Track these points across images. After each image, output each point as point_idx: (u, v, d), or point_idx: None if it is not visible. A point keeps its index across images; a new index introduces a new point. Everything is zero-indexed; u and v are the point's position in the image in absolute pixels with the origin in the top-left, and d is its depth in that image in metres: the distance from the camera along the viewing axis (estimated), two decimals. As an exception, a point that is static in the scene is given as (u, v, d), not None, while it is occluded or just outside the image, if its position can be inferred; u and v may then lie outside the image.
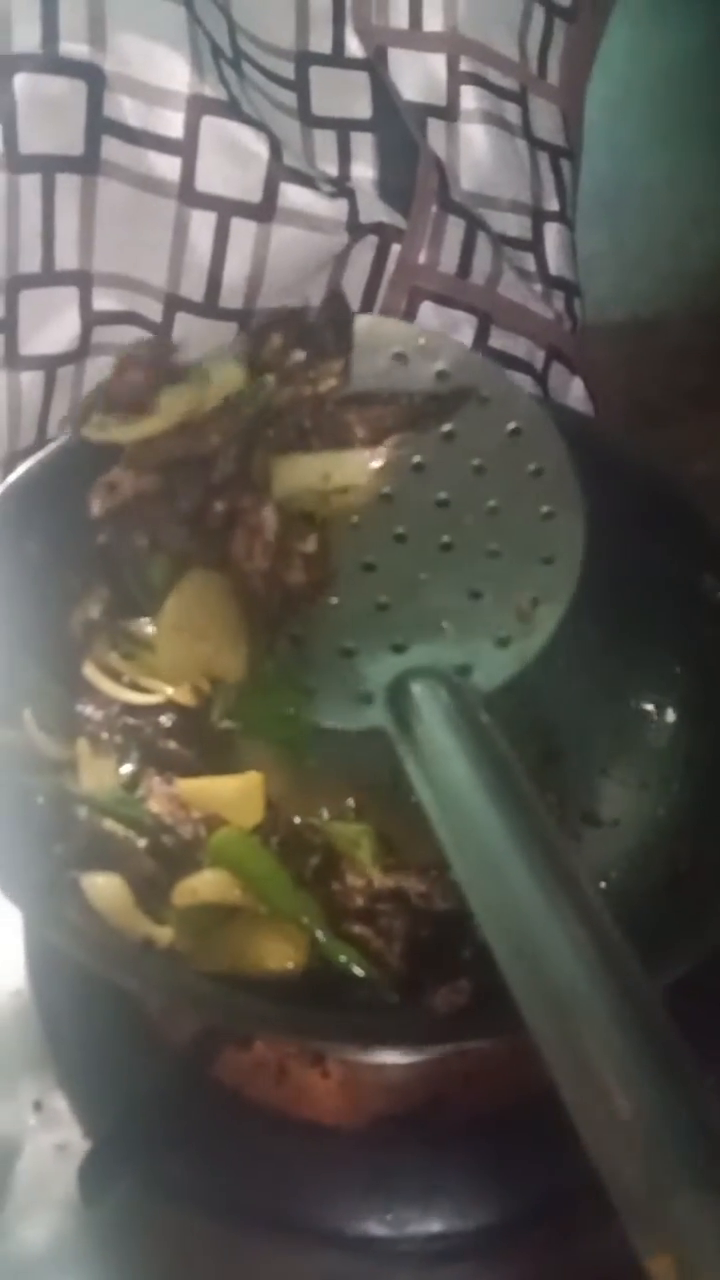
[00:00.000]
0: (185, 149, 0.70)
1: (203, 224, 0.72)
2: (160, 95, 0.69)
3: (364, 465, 0.54)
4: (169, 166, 0.71)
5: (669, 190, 1.02)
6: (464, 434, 0.55)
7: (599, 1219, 0.53)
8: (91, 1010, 0.59)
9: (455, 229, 0.77)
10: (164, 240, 0.73)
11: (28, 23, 0.66)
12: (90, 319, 0.75)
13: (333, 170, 0.76)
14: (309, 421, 0.54)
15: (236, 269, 0.73)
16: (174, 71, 0.69)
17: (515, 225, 0.82)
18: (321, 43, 0.76)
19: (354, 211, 0.73)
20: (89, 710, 0.55)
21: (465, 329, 0.78)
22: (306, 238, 0.72)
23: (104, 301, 0.75)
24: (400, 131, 0.76)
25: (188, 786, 0.54)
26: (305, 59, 0.76)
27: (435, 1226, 0.55)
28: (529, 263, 0.83)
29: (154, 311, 0.75)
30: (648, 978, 0.35)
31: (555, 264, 0.84)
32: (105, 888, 0.50)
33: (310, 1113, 0.57)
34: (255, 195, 0.71)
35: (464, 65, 0.78)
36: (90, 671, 0.57)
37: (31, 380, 0.75)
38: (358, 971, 0.50)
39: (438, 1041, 0.49)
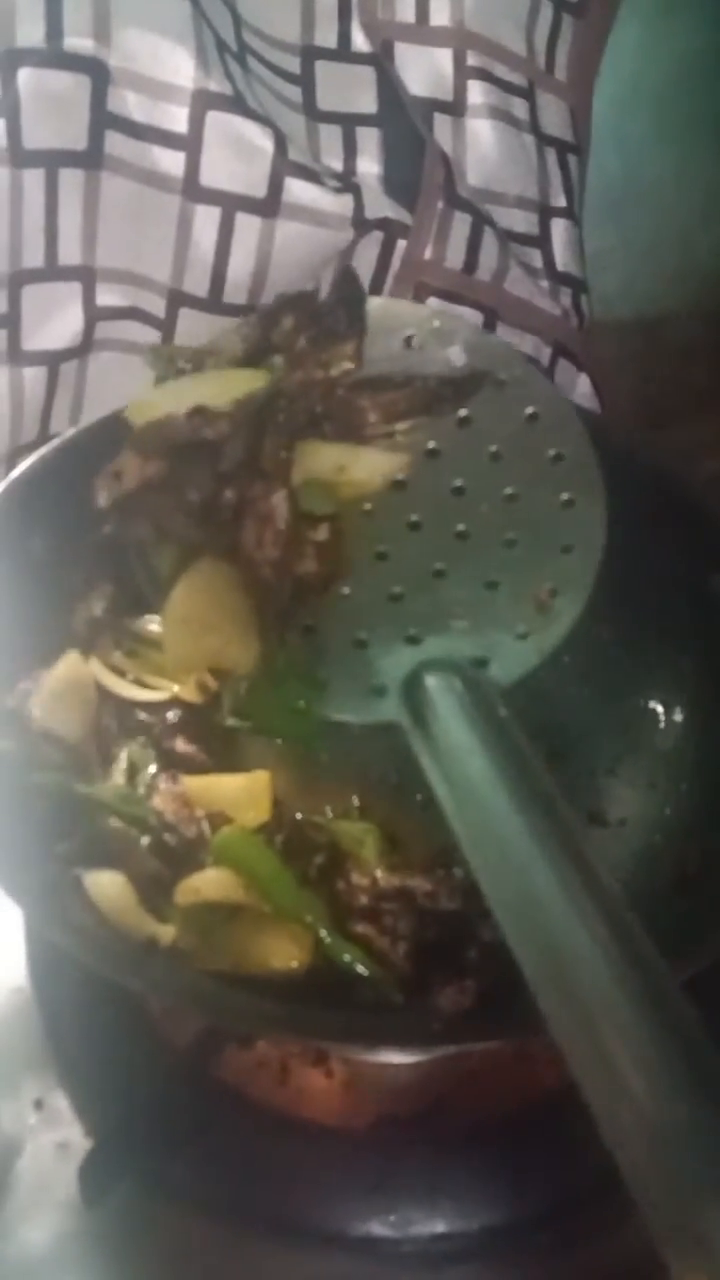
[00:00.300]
0: (190, 144, 0.70)
1: (207, 219, 0.72)
2: (165, 90, 0.69)
3: (380, 462, 0.53)
4: (173, 161, 0.71)
5: (677, 187, 1.02)
6: (480, 419, 0.53)
7: (604, 1220, 0.54)
8: (93, 1009, 0.59)
9: (461, 224, 0.76)
10: (168, 235, 0.73)
11: (32, 18, 0.66)
12: (93, 314, 0.75)
13: (338, 165, 0.76)
14: (321, 407, 0.52)
15: (241, 264, 0.73)
16: (179, 66, 0.69)
17: (522, 221, 0.81)
18: (327, 37, 0.75)
19: (359, 207, 0.73)
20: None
21: (471, 325, 0.78)
22: (311, 233, 0.72)
23: (107, 297, 0.75)
24: (406, 126, 0.76)
25: (194, 784, 0.53)
26: (311, 53, 0.75)
27: (439, 1227, 0.54)
28: (535, 259, 0.83)
29: (157, 307, 0.75)
30: (674, 979, 0.34)
31: (562, 260, 0.84)
32: (108, 886, 0.50)
33: (313, 1113, 0.56)
34: (260, 190, 0.71)
35: (471, 60, 0.78)
36: (95, 669, 0.57)
37: (34, 375, 0.75)
38: (362, 971, 0.50)
39: (442, 1043, 0.49)
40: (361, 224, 0.73)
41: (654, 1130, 0.30)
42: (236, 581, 0.50)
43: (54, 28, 0.67)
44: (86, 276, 0.74)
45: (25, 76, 0.67)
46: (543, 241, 0.83)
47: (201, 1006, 0.50)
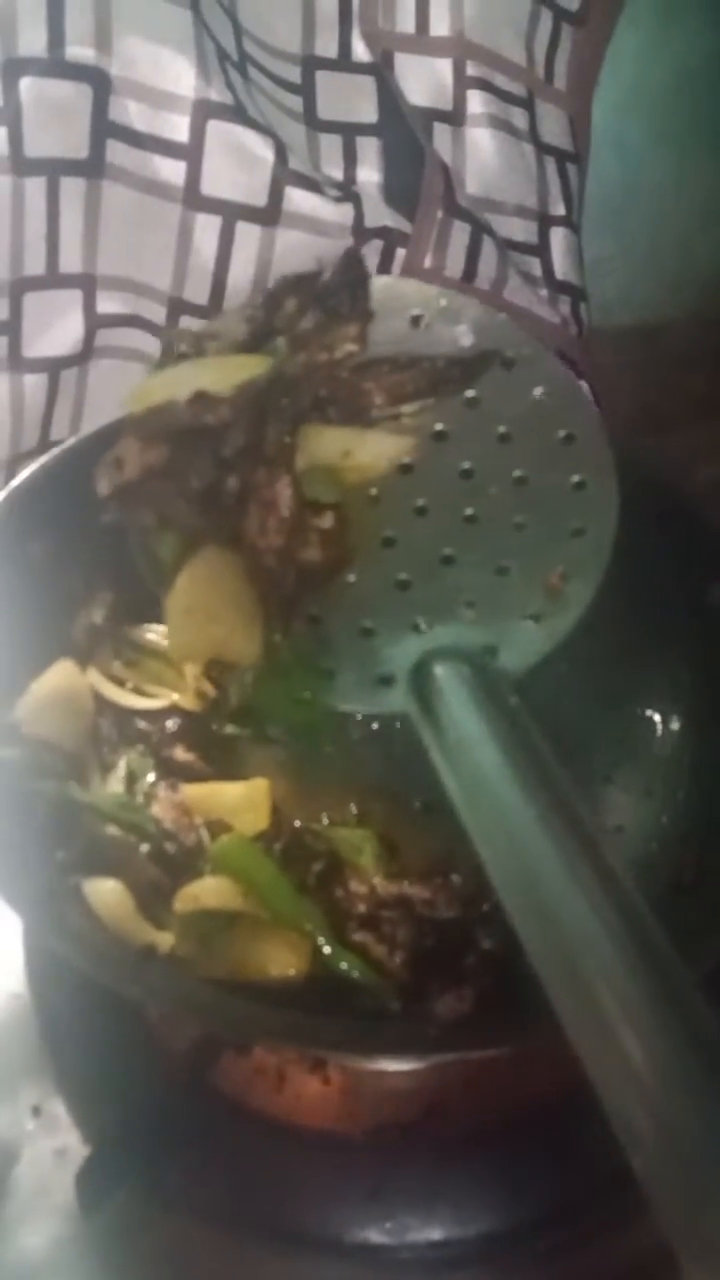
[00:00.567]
0: (190, 153, 0.70)
1: (207, 228, 0.72)
2: (166, 99, 0.69)
3: (386, 445, 0.51)
4: (174, 170, 0.71)
5: (676, 195, 1.02)
6: (488, 400, 0.52)
7: (602, 1227, 0.54)
8: (91, 1015, 0.59)
9: (461, 233, 0.77)
10: (168, 244, 0.73)
11: (34, 27, 0.67)
12: (94, 322, 0.75)
13: (338, 174, 0.76)
14: (324, 390, 0.50)
15: (241, 273, 0.73)
16: (180, 76, 0.69)
17: (521, 230, 0.82)
18: (328, 47, 0.76)
19: (359, 216, 0.73)
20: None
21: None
22: (312, 242, 0.72)
23: (108, 304, 0.75)
24: (406, 136, 0.77)
25: (193, 792, 0.54)
26: (311, 63, 0.76)
27: (436, 1234, 0.54)
28: (535, 267, 0.83)
29: (158, 315, 0.75)
30: (687, 971, 0.33)
31: (561, 268, 0.84)
32: (107, 893, 0.50)
33: (310, 1119, 0.56)
34: (260, 199, 0.72)
35: (470, 70, 0.78)
36: (94, 677, 0.57)
37: (35, 383, 0.75)
38: (360, 979, 0.50)
39: (440, 1050, 0.48)
40: (361, 233, 0.74)
41: (666, 1127, 0.30)
42: (240, 570, 0.49)
43: (56, 36, 0.67)
44: (87, 284, 0.74)
45: (27, 85, 0.67)
46: (542, 250, 0.83)
47: (199, 1013, 0.50)
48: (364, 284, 0.52)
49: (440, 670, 0.46)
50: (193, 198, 0.72)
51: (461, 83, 0.79)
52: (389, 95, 0.77)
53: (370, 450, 0.50)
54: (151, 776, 0.56)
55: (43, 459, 0.61)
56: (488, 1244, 0.54)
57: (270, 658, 0.50)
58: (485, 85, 0.79)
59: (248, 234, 0.72)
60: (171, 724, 0.58)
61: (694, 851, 0.57)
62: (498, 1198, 0.56)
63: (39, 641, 0.58)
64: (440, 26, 0.78)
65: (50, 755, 0.54)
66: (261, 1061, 0.56)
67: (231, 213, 0.72)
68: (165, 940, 0.50)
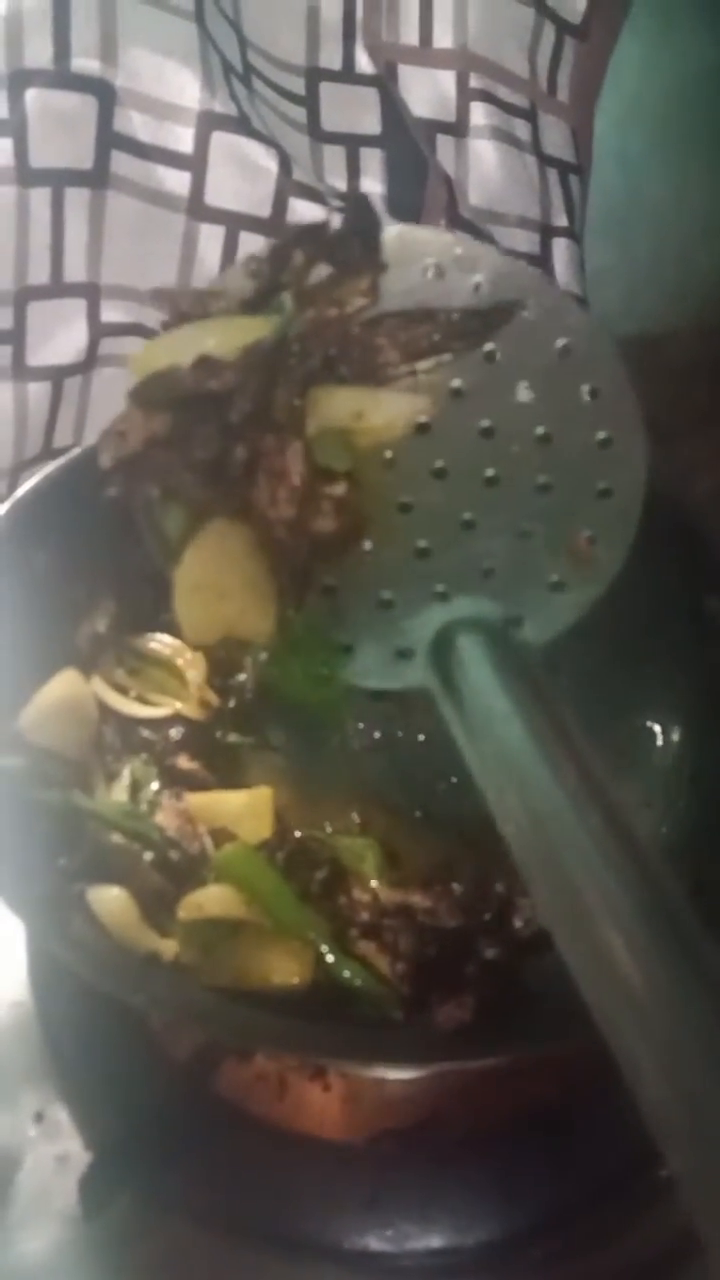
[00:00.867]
0: (195, 164, 0.71)
1: (211, 238, 0.73)
2: (171, 111, 0.70)
3: (401, 405, 0.48)
4: (178, 181, 0.71)
5: (677, 205, 1.02)
6: (508, 353, 0.48)
7: (599, 1235, 0.54)
8: (93, 1022, 0.59)
9: (463, 244, 0.77)
10: (173, 253, 0.74)
11: (40, 38, 0.67)
12: (98, 331, 0.76)
13: (341, 185, 0.77)
14: (335, 348, 0.47)
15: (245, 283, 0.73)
16: (184, 87, 0.70)
17: (524, 241, 0.82)
18: (332, 59, 0.76)
19: (363, 227, 0.73)
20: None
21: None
22: None
23: (112, 313, 0.76)
24: (409, 147, 0.77)
25: (196, 801, 0.54)
26: (315, 74, 0.76)
27: (435, 1242, 0.55)
28: (537, 278, 0.83)
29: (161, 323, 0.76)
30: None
31: (563, 279, 0.84)
32: (111, 901, 0.50)
33: (311, 1127, 0.57)
34: (264, 210, 0.72)
35: (474, 82, 0.79)
36: (98, 685, 0.57)
37: (39, 391, 0.76)
38: (362, 987, 0.50)
39: (440, 1059, 0.48)
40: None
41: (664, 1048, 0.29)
42: (250, 543, 0.46)
43: (62, 49, 0.68)
44: (91, 293, 0.75)
45: (33, 96, 0.68)
46: (544, 261, 0.83)
47: (201, 1021, 0.50)
48: (375, 232, 0.49)
49: (461, 642, 0.44)
50: (197, 208, 0.72)
51: (465, 95, 0.79)
52: (392, 107, 0.77)
53: (384, 411, 0.47)
54: (155, 785, 0.56)
55: (47, 469, 0.61)
56: (486, 1252, 0.55)
57: (285, 634, 0.48)
58: (488, 97, 0.79)
59: (251, 244, 0.73)
60: (175, 733, 0.58)
61: (692, 862, 0.57)
62: (496, 1206, 0.56)
63: (43, 650, 0.58)
64: (444, 39, 0.78)
65: (54, 764, 0.55)
66: (262, 1069, 0.57)
67: (235, 223, 0.72)
68: (169, 948, 0.50)
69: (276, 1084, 0.57)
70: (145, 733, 0.59)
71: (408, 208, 0.76)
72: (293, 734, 0.60)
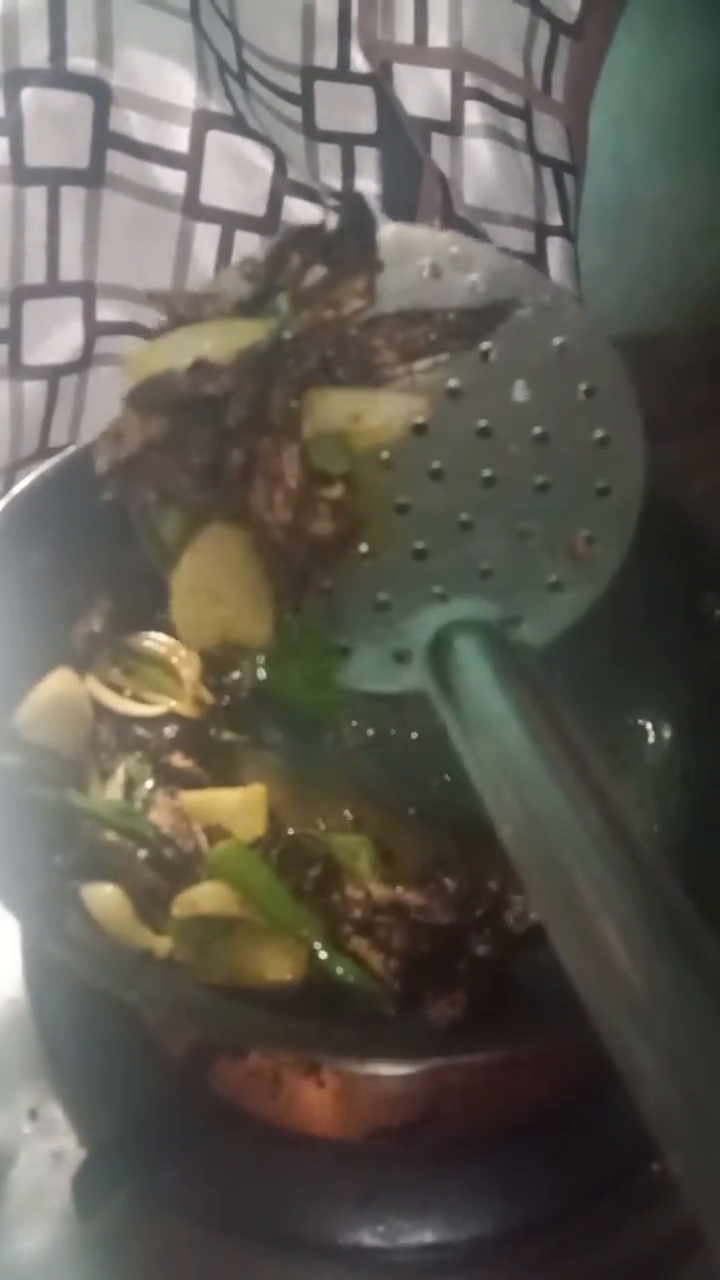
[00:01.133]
0: (190, 163, 0.71)
1: (207, 237, 0.73)
2: (166, 110, 0.70)
3: (398, 406, 0.48)
4: (174, 180, 0.71)
5: (673, 206, 1.03)
6: (505, 352, 0.48)
7: (593, 1232, 0.55)
8: (88, 1019, 0.59)
9: (458, 243, 0.77)
10: (168, 252, 0.74)
11: (36, 38, 0.67)
12: (94, 329, 0.76)
13: (336, 184, 0.77)
14: (331, 350, 0.47)
15: None
16: (180, 87, 0.70)
17: (518, 240, 0.82)
18: (327, 58, 0.76)
19: (358, 225, 0.74)
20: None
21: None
22: None
23: (107, 312, 0.76)
24: (404, 146, 0.77)
25: (191, 799, 0.54)
26: (311, 73, 0.76)
27: (428, 1238, 0.55)
28: (531, 277, 0.83)
29: (157, 323, 0.76)
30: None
31: (558, 278, 0.84)
32: (105, 899, 0.50)
33: (305, 1123, 0.57)
34: (259, 209, 0.72)
35: (468, 81, 0.79)
36: (93, 684, 0.58)
37: (34, 389, 0.76)
38: (355, 984, 0.51)
39: (432, 1055, 0.49)
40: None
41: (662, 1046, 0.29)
42: (247, 546, 0.46)
43: (58, 48, 0.68)
44: (87, 292, 0.75)
45: (29, 96, 0.68)
46: (539, 260, 0.84)
47: (196, 1018, 0.50)
48: (371, 231, 0.49)
49: (459, 644, 0.44)
50: (192, 207, 0.72)
51: (459, 94, 0.79)
52: (387, 106, 0.77)
53: (381, 412, 0.47)
54: (150, 783, 0.56)
55: (43, 467, 0.61)
56: (480, 1248, 0.55)
57: (282, 637, 0.48)
58: (483, 96, 0.80)
59: (247, 243, 0.73)
60: (170, 731, 0.58)
61: (685, 860, 0.57)
62: (490, 1202, 0.56)
63: (38, 649, 0.58)
64: (439, 38, 0.78)
65: (49, 761, 0.55)
66: (257, 1066, 0.57)
67: (231, 222, 0.72)
68: (163, 945, 0.50)
69: (271, 1081, 0.57)
70: (140, 731, 0.59)
71: (403, 206, 0.76)
72: (287, 732, 0.60)
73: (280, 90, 0.76)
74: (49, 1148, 0.56)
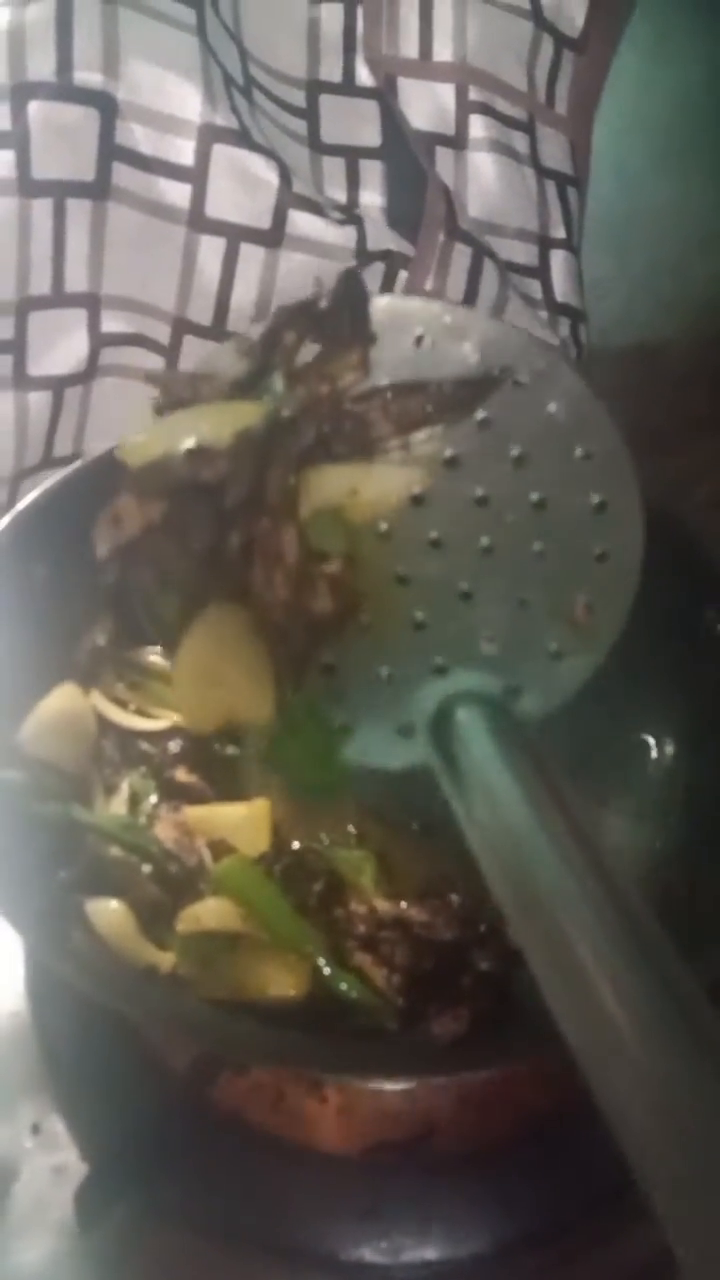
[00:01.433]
0: (196, 176, 0.71)
1: (212, 249, 0.73)
2: (172, 123, 0.70)
3: (395, 478, 0.48)
4: (179, 193, 0.72)
5: (675, 217, 1.02)
6: (501, 420, 0.48)
7: (593, 1246, 0.55)
8: (90, 1033, 0.59)
9: (462, 256, 0.77)
10: (173, 264, 0.74)
11: (43, 51, 0.67)
12: (98, 341, 0.76)
13: (341, 197, 0.77)
14: (327, 425, 0.48)
15: (244, 294, 0.74)
16: (186, 100, 0.70)
17: (522, 252, 0.83)
18: (332, 71, 0.77)
19: (362, 238, 0.74)
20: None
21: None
22: (314, 264, 0.73)
23: (112, 324, 0.76)
24: (409, 159, 0.77)
25: (195, 814, 0.54)
26: (316, 87, 0.77)
27: (430, 1254, 0.55)
28: (535, 290, 0.84)
29: (162, 334, 0.76)
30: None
31: (561, 291, 0.85)
32: (109, 914, 0.51)
33: (307, 1138, 0.57)
34: (264, 222, 0.72)
35: (473, 94, 0.79)
36: (97, 699, 0.58)
37: (39, 400, 0.76)
38: (358, 1000, 0.51)
39: (435, 1072, 0.49)
40: (364, 255, 0.74)
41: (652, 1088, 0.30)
42: (248, 626, 0.47)
43: (64, 61, 0.68)
44: (92, 304, 0.75)
45: (35, 109, 0.68)
46: (542, 272, 0.84)
47: (198, 1034, 0.50)
48: (364, 305, 0.49)
49: (461, 717, 0.44)
50: (197, 220, 0.72)
51: (463, 107, 0.80)
52: (392, 119, 0.77)
53: (378, 485, 0.48)
54: (154, 798, 0.56)
55: (47, 483, 0.61)
56: (482, 1264, 0.55)
57: (284, 716, 0.48)
58: (487, 110, 0.80)
59: (251, 256, 0.73)
60: (174, 745, 0.59)
61: (686, 874, 0.57)
62: (491, 1217, 0.56)
63: (42, 664, 0.58)
64: (443, 52, 0.79)
65: (53, 776, 0.55)
66: (259, 1081, 0.57)
67: (235, 235, 0.73)
68: (166, 961, 0.50)
69: (273, 1096, 0.57)
70: (144, 746, 0.59)
71: (407, 220, 0.77)
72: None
73: (285, 104, 0.76)
74: (51, 1161, 0.56)
